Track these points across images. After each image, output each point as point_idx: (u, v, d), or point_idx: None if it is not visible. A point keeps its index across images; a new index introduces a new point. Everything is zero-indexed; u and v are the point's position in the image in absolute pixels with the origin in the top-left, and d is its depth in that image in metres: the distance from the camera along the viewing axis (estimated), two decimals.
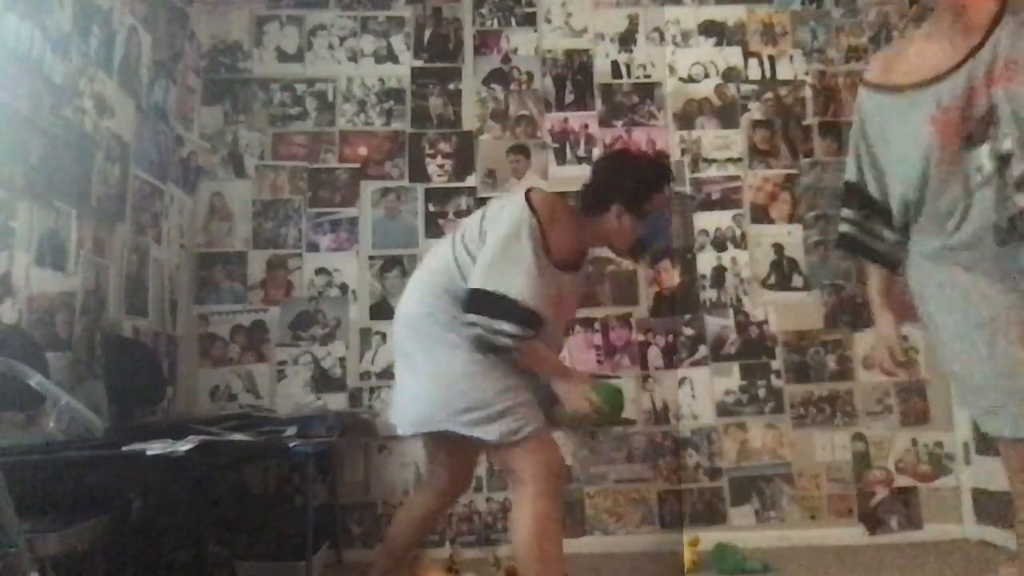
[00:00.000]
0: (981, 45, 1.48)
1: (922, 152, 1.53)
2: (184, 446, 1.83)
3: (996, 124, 1.45)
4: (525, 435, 1.81)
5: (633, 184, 1.93)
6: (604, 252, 3.43)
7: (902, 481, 3.30)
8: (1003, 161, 1.45)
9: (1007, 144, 1.44)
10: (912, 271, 1.73)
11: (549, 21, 3.66)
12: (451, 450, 2.05)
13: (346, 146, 3.52)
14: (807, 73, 3.61)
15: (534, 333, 1.81)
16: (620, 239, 1.97)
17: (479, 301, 1.79)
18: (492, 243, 1.83)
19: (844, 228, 1.80)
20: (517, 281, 1.78)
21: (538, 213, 1.85)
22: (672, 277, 3.46)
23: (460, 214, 3.47)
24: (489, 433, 1.81)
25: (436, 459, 2.15)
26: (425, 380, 1.88)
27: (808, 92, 3.60)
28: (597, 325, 3.39)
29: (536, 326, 1.80)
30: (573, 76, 3.61)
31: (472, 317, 1.79)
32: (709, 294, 3.44)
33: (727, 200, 3.51)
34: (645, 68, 3.62)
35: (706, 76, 3.63)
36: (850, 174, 1.77)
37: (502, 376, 1.84)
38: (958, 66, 1.49)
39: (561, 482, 1.94)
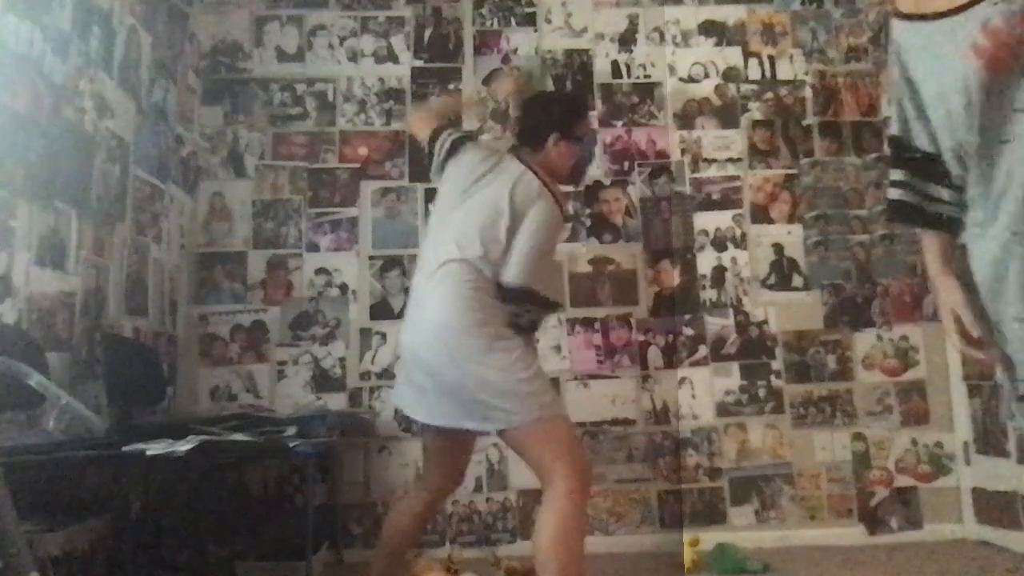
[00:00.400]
0: None
1: (963, 88, 1.29)
2: (184, 446, 1.83)
3: None
4: (552, 414, 1.87)
5: (564, 112, 2.20)
6: (603, 253, 3.45)
7: (902, 481, 3.30)
8: None
9: None
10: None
11: (549, 21, 3.66)
12: (451, 448, 2.07)
13: (346, 146, 3.52)
14: (807, 73, 3.62)
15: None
16: (561, 164, 2.17)
17: (519, 295, 1.95)
18: (528, 240, 1.97)
19: (894, 194, 1.51)
20: (548, 283, 2.08)
21: (555, 196, 2.06)
22: (672, 277, 3.46)
23: None
24: (522, 416, 1.83)
25: (434, 457, 2.16)
26: (482, 384, 1.86)
27: (808, 92, 3.60)
28: (597, 325, 3.39)
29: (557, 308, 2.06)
30: (573, 76, 3.61)
31: (512, 308, 1.94)
32: (709, 294, 3.44)
33: (727, 200, 3.52)
34: (645, 68, 3.62)
35: (706, 76, 3.63)
36: (894, 127, 1.52)
37: (535, 366, 1.94)
38: None
39: (590, 482, 1.98)
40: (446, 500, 2.31)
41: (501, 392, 1.83)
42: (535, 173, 2.04)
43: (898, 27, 1.44)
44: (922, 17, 1.37)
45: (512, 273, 1.93)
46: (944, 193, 1.44)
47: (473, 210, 2.00)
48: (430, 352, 1.88)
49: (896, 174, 1.51)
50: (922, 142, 1.45)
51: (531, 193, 2.01)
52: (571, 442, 1.92)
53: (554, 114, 2.19)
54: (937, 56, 1.34)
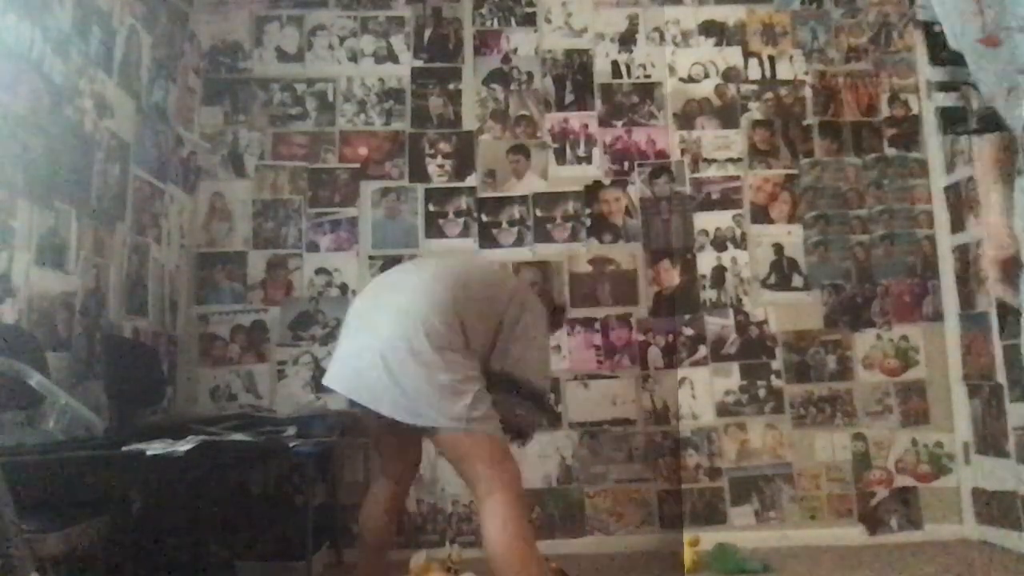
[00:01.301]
0: None
1: None
2: (184, 446, 1.83)
3: None
4: (490, 427, 1.89)
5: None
6: (603, 253, 3.45)
7: (902, 481, 3.30)
8: None
9: None
10: None
11: (549, 21, 3.66)
12: (403, 438, 2.08)
13: (346, 146, 3.52)
14: (807, 73, 3.62)
15: None
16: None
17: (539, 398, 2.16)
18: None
19: (939, 99, 1.30)
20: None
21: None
22: (672, 277, 3.46)
23: (460, 214, 3.47)
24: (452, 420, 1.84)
25: (388, 450, 2.19)
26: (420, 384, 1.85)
27: (808, 92, 3.60)
28: (597, 325, 3.39)
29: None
30: (573, 76, 3.61)
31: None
32: (709, 294, 3.44)
33: (727, 200, 3.52)
34: (645, 68, 3.62)
35: (706, 76, 3.63)
36: (921, 11, 1.27)
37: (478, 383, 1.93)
38: None
39: (521, 487, 1.96)
40: (410, 488, 2.32)
41: (444, 394, 1.82)
42: None
43: None
44: None
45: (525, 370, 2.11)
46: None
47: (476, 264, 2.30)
48: (397, 322, 1.87)
49: (934, 73, 1.26)
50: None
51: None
52: (502, 455, 1.91)
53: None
54: None
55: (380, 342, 1.86)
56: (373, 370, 1.84)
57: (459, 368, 1.85)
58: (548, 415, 2.17)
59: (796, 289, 3.45)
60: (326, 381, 2.03)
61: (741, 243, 3.48)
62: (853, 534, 3.23)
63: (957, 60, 1.17)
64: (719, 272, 3.46)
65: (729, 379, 3.37)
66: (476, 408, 1.84)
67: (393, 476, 2.20)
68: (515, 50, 3.62)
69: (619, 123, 3.57)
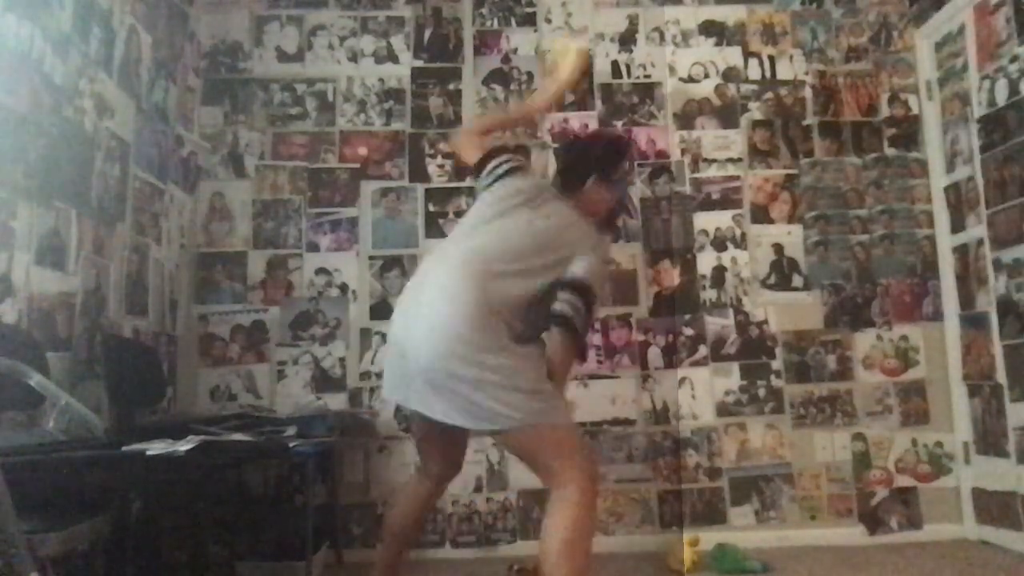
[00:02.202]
0: None
1: None
2: (184, 446, 1.83)
3: None
4: (552, 415, 1.83)
5: (603, 156, 2.22)
6: None
7: (902, 481, 3.30)
8: None
9: None
10: None
11: (549, 21, 3.66)
12: (444, 439, 2.06)
13: (346, 146, 3.52)
14: (807, 73, 3.62)
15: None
16: (598, 208, 2.18)
17: (586, 291, 1.93)
18: (589, 265, 1.98)
19: None
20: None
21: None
22: (672, 277, 3.46)
23: (460, 214, 3.47)
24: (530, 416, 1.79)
25: (429, 448, 2.16)
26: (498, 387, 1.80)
27: (808, 92, 3.60)
28: (597, 325, 3.39)
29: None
30: None
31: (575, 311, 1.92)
32: (709, 294, 3.44)
33: (727, 200, 3.52)
34: (645, 68, 3.62)
35: (706, 76, 3.63)
36: None
37: (540, 373, 1.88)
38: None
39: (598, 484, 1.95)
40: (445, 489, 2.30)
41: (496, 395, 1.76)
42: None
43: None
44: None
45: (579, 271, 1.94)
46: None
47: (512, 230, 1.97)
48: (431, 344, 1.80)
49: None
50: None
51: (589, 238, 2.04)
52: (576, 445, 1.87)
53: (593, 156, 2.21)
54: None
55: (421, 368, 1.81)
56: (424, 385, 1.81)
57: (505, 365, 1.77)
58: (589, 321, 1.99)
59: (796, 289, 3.45)
60: (385, 393, 2.04)
61: (741, 243, 3.48)
62: (853, 534, 3.23)
63: None
64: (719, 272, 3.46)
65: (729, 379, 3.38)
66: (533, 401, 1.77)
67: (433, 476, 2.16)
68: (515, 50, 3.62)
69: (619, 123, 3.57)
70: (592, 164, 2.17)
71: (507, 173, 2.15)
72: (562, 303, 1.90)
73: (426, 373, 1.80)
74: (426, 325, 1.82)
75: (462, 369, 1.76)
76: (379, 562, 2.20)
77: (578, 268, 1.94)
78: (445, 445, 2.11)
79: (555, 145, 3.53)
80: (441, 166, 3.52)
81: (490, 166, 2.18)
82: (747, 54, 3.64)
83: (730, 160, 3.55)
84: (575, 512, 1.77)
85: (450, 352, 1.77)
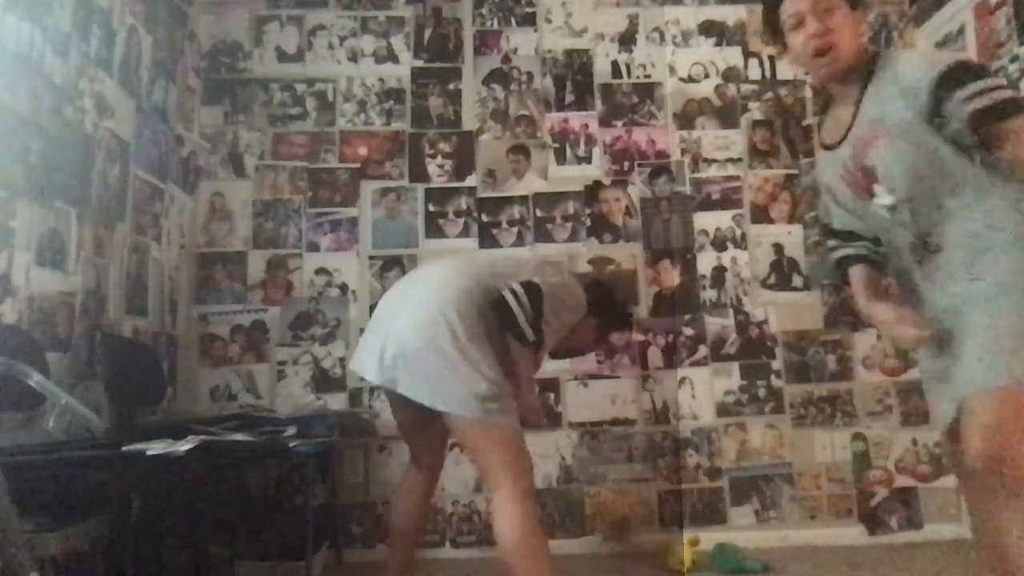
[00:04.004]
0: (855, 114, 1.64)
1: (847, 201, 1.75)
2: (184, 446, 1.83)
3: (877, 182, 1.61)
4: (505, 423, 1.89)
5: (617, 318, 2.42)
6: (603, 253, 3.45)
7: (902, 481, 3.30)
8: (892, 210, 1.62)
9: (887, 199, 1.61)
10: None
11: (549, 21, 3.66)
12: (423, 424, 2.10)
13: (346, 146, 3.52)
14: (807, 73, 3.61)
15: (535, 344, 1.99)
16: (581, 343, 2.34)
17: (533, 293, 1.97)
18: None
19: (839, 253, 1.88)
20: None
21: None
22: (672, 277, 3.46)
23: (460, 214, 3.47)
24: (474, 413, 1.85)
25: (417, 438, 2.19)
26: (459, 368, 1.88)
27: (808, 92, 3.60)
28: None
29: (538, 345, 2.01)
30: (573, 76, 3.61)
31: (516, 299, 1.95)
32: (709, 294, 3.44)
33: (727, 200, 3.52)
34: (645, 68, 3.62)
35: (706, 76, 3.63)
36: (825, 217, 1.96)
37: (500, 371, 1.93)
38: (845, 134, 1.67)
39: (533, 485, 1.99)
40: (438, 480, 2.32)
41: (463, 381, 1.84)
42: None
43: (819, 154, 1.90)
44: (824, 147, 1.80)
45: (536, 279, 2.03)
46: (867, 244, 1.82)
47: (500, 255, 2.13)
48: (416, 317, 1.90)
49: (832, 242, 1.91)
50: (844, 223, 1.86)
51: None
52: (514, 453, 1.91)
53: (609, 310, 2.34)
54: (833, 175, 1.76)
55: (402, 331, 1.90)
56: (396, 358, 1.89)
57: (476, 357, 1.86)
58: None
59: (796, 289, 3.45)
60: (352, 365, 2.10)
61: (741, 243, 3.48)
62: (853, 534, 3.23)
63: (845, 235, 1.87)
64: (719, 272, 3.46)
65: (729, 379, 3.38)
66: (491, 399, 1.85)
67: (422, 465, 2.20)
68: (515, 50, 3.62)
69: (619, 123, 3.57)
70: (604, 314, 2.30)
71: None
72: (507, 291, 1.95)
73: (404, 339, 1.88)
74: (416, 299, 1.94)
75: (438, 342, 1.85)
76: (391, 563, 2.21)
77: (537, 278, 2.02)
78: (426, 431, 2.14)
79: (555, 145, 3.53)
80: (441, 166, 3.52)
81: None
82: (747, 54, 3.64)
83: (730, 160, 3.55)
84: (515, 510, 1.84)
85: (434, 323, 1.87)
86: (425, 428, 2.12)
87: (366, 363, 1.98)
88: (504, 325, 1.94)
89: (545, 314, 1.97)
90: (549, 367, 3.28)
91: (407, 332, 1.89)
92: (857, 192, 1.67)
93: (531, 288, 1.95)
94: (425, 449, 2.19)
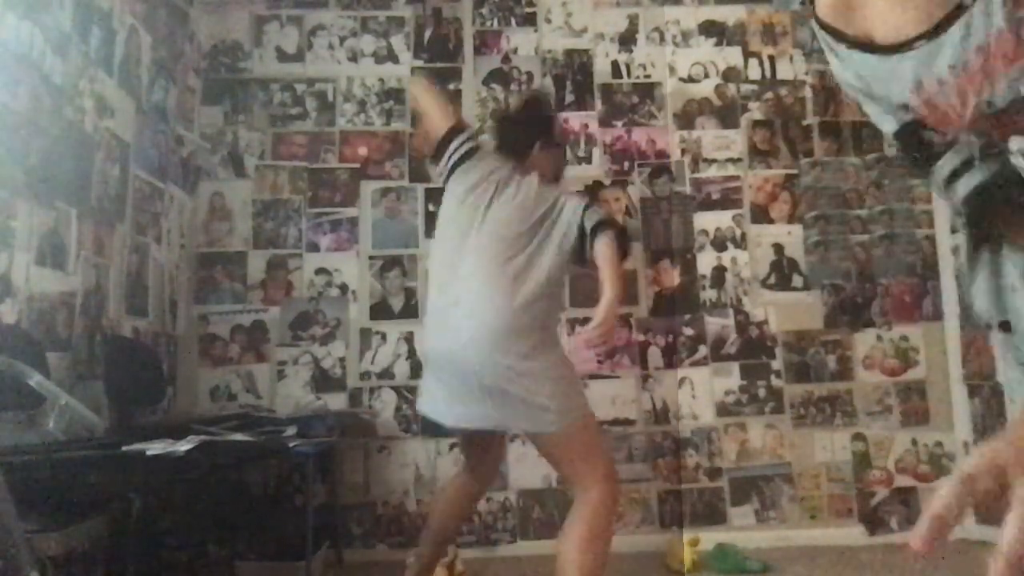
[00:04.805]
0: None
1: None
2: (184, 446, 1.83)
3: None
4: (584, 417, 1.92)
5: (540, 121, 2.28)
6: None
7: (902, 481, 3.30)
8: None
9: None
10: None
11: (549, 21, 3.66)
12: (486, 443, 2.13)
13: (346, 146, 3.52)
14: (807, 73, 3.62)
15: None
16: (546, 169, 2.20)
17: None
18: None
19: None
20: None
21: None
22: (672, 277, 3.46)
23: None
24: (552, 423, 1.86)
25: (476, 450, 2.19)
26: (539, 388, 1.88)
27: (808, 92, 3.60)
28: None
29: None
30: (573, 76, 3.61)
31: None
32: (709, 294, 3.44)
33: (727, 200, 3.52)
34: (645, 68, 3.62)
35: (706, 76, 3.63)
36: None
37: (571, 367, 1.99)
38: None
39: (619, 487, 2.00)
40: (486, 492, 2.38)
41: (540, 396, 1.84)
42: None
43: None
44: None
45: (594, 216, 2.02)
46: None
47: (504, 219, 2.02)
48: (471, 353, 1.88)
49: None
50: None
51: (560, 186, 2.18)
52: (600, 445, 1.96)
53: (533, 124, 2.25)
54: None
55: (473, 372, 1.89)
56: (466, 404, 1.91)
57: (543, 368, 1.87)
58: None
59: (796, 289, 3.45)
60: (423, 411, 2.11)
61: (741, 243, 3.48)
62: (853, 534, 3.23)
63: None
64: (719, 272, 3.46)
65: (729, 379, 3.38)
66: (570, 399, 1.88)
67: (476, 474, 2.21)
68: (515, 50, 3.62)
69: (619, 123, 3.57)
70: (534, 132, 2.21)
71: (468, 156, 2.15)
72: (593, 219, 1.97)
73: (475, 386, 1.87)
74: (465, 342, 1.89)
75: (509, 378, 1.84)
76: (417, 559, 2.22)
77: (589, 216, 2.00)
78: (488, 443, 2.15)
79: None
80: None
81: (450, 149, 2.16)
82: (747, 54, 3.64)
83: (730, 160, 3.55)
84: (596, 517, 1.84)
85: (493, 363, 1.85)
86: (486, 441, 2.13)
87: (437, 411, 2.02)
88: (610, 240, 1.93)
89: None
90: None
91: (476, 367, 1.88)
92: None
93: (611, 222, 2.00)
94: (482, 458, 2.19)
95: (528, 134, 2.20)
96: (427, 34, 3.64)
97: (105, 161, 2.62)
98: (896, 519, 3.26)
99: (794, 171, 3.53)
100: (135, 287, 2.85)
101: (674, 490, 3.29)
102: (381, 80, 3.58)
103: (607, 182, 3.51)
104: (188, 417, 2.86)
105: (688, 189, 3.52)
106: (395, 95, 3.57)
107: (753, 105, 3.60)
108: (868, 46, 0.74)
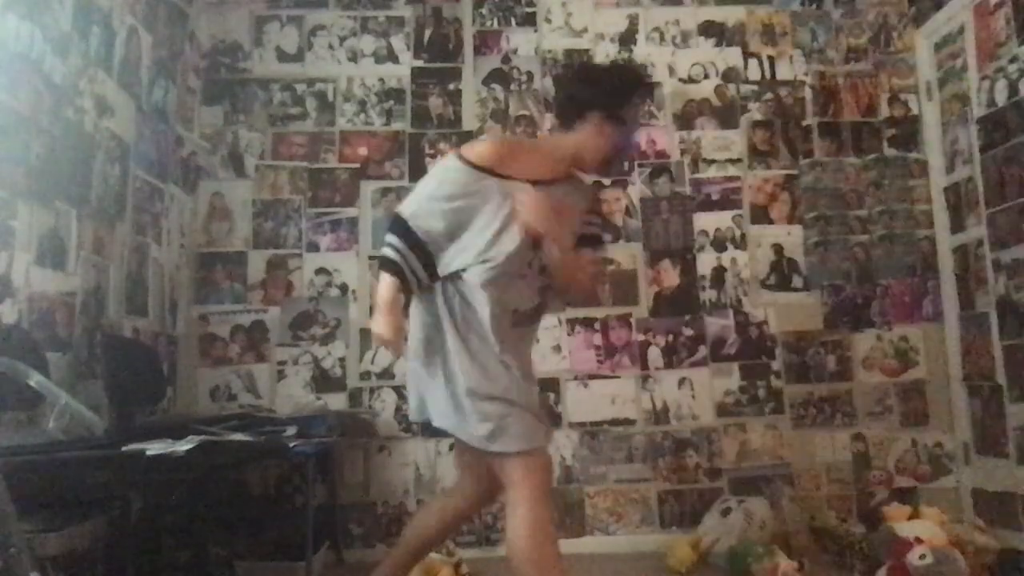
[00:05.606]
0: None
1: None
2: (184, 446, 1.83)
3: None
4: (521, 448, 1.75)
5: (614, 89, 1.85)
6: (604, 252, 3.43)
7: (902, 481, 3.31)
8: None
9: None
10: None
11: (549, 21, 3.66)
12: (476, 459, 1.94)
13: (346, 146, 3.52)
14: (807, 73, 3.62)
15: (412, 245, 1.81)
16: (593, 151, 1.87)
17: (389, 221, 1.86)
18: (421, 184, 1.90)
19: None
20: (412, 203, 1.84)
21: (464, 155, 1.84)
22: (672, 277, 3.46)
23: None
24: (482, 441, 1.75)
25: (462, 463, 2.08)
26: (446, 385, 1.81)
27: (808, 92, 3.60)
28: (597, 325, 3.39)
29: (414, 239, 1.80)
30: None
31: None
32: (709, 294, 3.44)
33: (727, 200, 3.52)
34: (645, 68, 3.62)
35: (706, 77, 3.63)
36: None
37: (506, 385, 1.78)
38: None
39: (550, 479, 1.88)
40: (479, 511, 2.21)
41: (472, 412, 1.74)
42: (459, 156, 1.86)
43: None
44: None
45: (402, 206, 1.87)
46: None
47: None
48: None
49: None
50: None
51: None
52: (544, 468, 1.80)
53: (602, 87, 1.85)
54: None
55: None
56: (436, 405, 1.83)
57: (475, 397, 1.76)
58: None
59: (796, 289, 3.45)
60: (413, 417, 2.03)
61: (741, 243, 3.48)
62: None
63: None
64: (719, 272, 3.46)
65: (729, 379, 3.38)
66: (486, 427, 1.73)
67: (464, 493, 2.06)
68: (515, 50, 3.62)
69: None
70: (599, 97, 1.83)
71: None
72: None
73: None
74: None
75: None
76: (388, 561, 2.10)
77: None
78: (475, 462, 1.98)
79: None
80: None
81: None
82: (747, 55, 3.64)
83: (730, 160, 3.55)
84: (531, 514, 1.71)
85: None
86: (473, 458, 1.95)
87: (412, 408, 1.95)
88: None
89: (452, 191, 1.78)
90: (549, 367, 3.29)
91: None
92: None
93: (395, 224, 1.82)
94: (472, 480, 2.03)
95: (591, 96, 1.84)
96: (427, 34, 3.64)
97: (105, 161, 2.62)
98: None
99: (794, 171, 3.53)
100: (135, 287, 2.85)
101: (674, 490, 3.29)
102: (381, 80, 3.58)
103: (607, 182, 3.51)
104: (188, 417, 2.86)
105: (688, 189, 3.53)
106: (395, 95, 3.57)
107: (753, 105, 3.60)
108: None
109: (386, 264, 1.84)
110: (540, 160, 1.88)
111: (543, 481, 1.77)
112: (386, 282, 1.82)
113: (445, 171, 1.87)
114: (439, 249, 1.82)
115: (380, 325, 1.80)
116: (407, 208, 1.85)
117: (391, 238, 1.85)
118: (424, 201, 1.84)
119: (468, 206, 1.80)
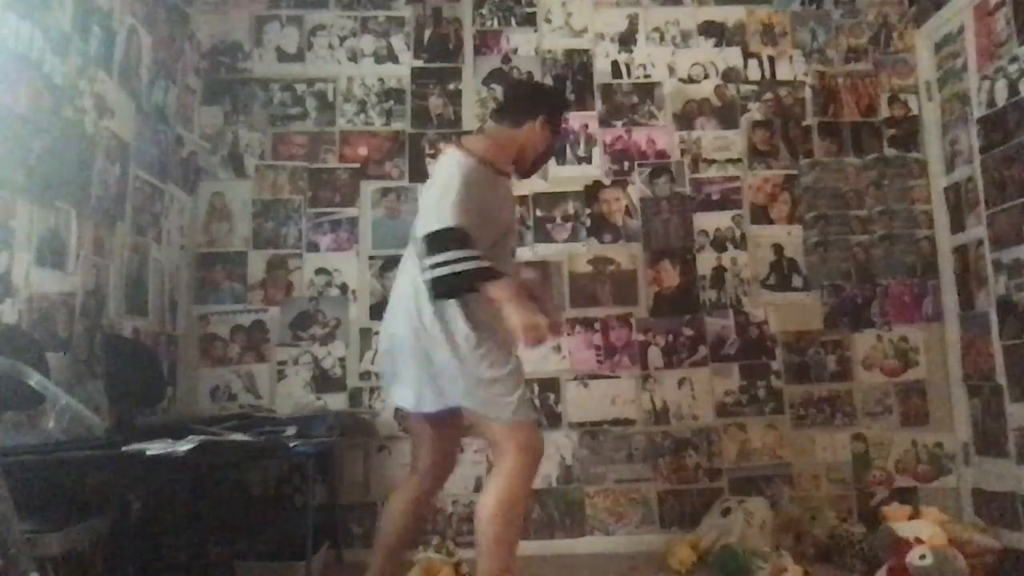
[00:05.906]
0: None
1: None
2: (184, 446, 1.83)
3: None
4: (522, 419, 1.95)
5: (557, 103, 2.31)
6: (603, 253, 3.45)
7: (902, 481, 3.31)
8: None
9: None
10: None
11: (549, 21, 3.66)
12: (436, 434, 2.12)
13: (346, 146, 3.52)
14: (807, 73, 3.62)
15: (477, 253, 1.88)
16: (531, 150, 2.20)
17: (429, 242, 1.92)
18: (436, 192, 2.02)
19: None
20: (447, 211, 1.93)
21: (473, 152, 2.04)
22: (672, 277, 3.46)
23: None
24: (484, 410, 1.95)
25: (422, 444, 2.17)
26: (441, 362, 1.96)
27: (808, 92, 3.60)
28: (597, 325, 3.40)
29: (471, 243, 1.88)
30: (573, 76, 3.61)
31: (429, 260, 1.91)
32: (709, 294, 3.44)
33: (727, 200, 3.52)
34: (645, 68, 3.62)
35: (706, 76, 3.63)
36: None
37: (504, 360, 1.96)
38: None
39: (540, 458, 2.01)
40: (438, 491, 2.30)
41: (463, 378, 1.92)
42: (460, 147, 2.08)
43: None
44: None
45: (419, 225, 2.03)
46: None
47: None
48: (399, 330, 2.01)
49: None
50: None
51: (447, 160, 2.07)
52: (534, 437, 1.99)
53: (548, 100, 2.28)
54: None
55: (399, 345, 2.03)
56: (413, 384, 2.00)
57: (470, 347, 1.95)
58: None
59: (796, 289, 3.45)
60: (391, 402, 2.25)
61: (741, 243, 3.48)
62: None
63: None
64: (719, 272, 3.46)
65: (729, 379, 3.38)
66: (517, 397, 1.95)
67: (422, 472, 2.16)
68: (515, 50, 3.62)
69: (619, 123, 3.57)
70: (545, 106, 2.21)
71: None
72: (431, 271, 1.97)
73: (413, 367, 2.02)
74: (394, 318, 2.10)
75: (430, 350, 1.99)
76: (372, 566, 2.14)
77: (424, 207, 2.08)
78: (439, 439, 2.14)
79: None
80: None
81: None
82: (747, 55, 3.64)
83: (730, 160, 3.55)
84: (507, 482, 1.90)
85: (415, 336, 2.00)
86: (438, 437, 2.14)
87: (395, 392, 2.10)
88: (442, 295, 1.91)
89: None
90: (549, 367, 3.29)
91: (405, 341, 2.02)
92: None
93: (433, 240, 1.90)
94: (431, 458, 2.16)
95: (538, 104, 2.21)
96: (427, 34, 3.64)
97: (105, 161, 2.62)
98: None
99: (794, 171, 3.53)
100: (135, 287, 2.85)
101: (674, 490, 3.29)
102: (381, 80, 3.58)
103: (607, 182, 3.52)
104: (188, 417, 2.86)
105: (688, 189, 3.52)
106: (395, 95, 3.57)
107: (753, 105, 3.60)
108: None
109: (482, 275, 1.88)
110: (507, 153, 2.16)
111: (535, 461, 1.98)
112: (499, 285, 1.89)
113: (468, 171, 1.99)
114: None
115: (528, 315, 1.86)
116: (453, 218, 1.91)
117: (460, 252, 1.88)
118: (460, 204, 1.94)
119: (486, 199, 2.02)
